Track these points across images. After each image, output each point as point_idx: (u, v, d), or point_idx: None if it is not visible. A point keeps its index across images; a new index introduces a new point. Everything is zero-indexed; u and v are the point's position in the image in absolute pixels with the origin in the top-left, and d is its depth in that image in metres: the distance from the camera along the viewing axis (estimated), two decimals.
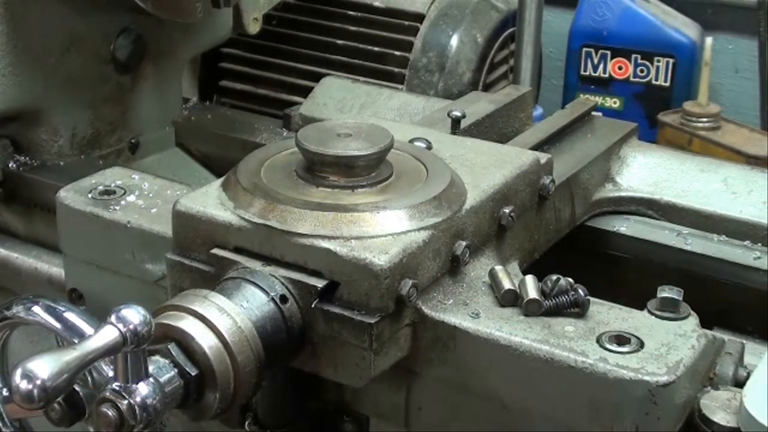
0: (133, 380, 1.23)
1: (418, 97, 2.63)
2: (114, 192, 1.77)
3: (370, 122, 1.61)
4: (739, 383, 1.41)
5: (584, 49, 4.63)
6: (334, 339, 1.38)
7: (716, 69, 4.62)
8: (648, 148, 2.18)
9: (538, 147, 1.98)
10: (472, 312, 1.41)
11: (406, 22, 3.26)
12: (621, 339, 1.34)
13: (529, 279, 1.42)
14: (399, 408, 1.50)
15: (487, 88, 3.30)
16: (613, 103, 4.64)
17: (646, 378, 1.27)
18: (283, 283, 1.39)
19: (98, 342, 1.19)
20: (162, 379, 1.27)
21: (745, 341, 1.51)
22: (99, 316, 1.56)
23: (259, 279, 1.40)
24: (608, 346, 1.33)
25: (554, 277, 1.41)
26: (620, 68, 4.61)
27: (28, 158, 2.40)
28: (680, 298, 1.41)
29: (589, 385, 1.30)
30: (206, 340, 1.30)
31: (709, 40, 4.39)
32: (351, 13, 3.30)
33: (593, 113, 2.27)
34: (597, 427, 1.32)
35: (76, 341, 1.21)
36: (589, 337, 1.35)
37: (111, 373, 1.24)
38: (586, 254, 2.04)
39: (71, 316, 1.68)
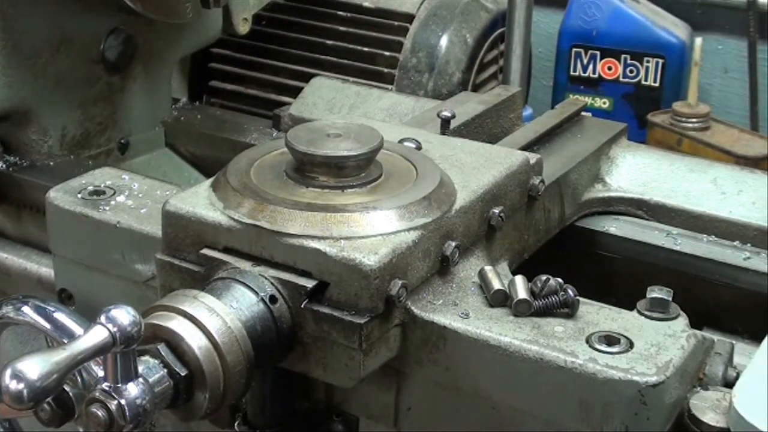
0: (122, 380, 1.23)
1: (408, 98, 2.62)
2: (103, 192, 1.77)
3: (360, 123, 1.61)
4: (729, 383, 1.41)
5: (574, 50, 4.64)
6: (324, 339, 1.38)
7: (706, 69, 4.63)
8: (637, 149, 2.19)
9: (527, 147, 1.98)
10: (462, 312, 1.41)
11: (396, 23, 3.26)
12: (610, 339, 1.34)
13: (519, 279, 1.43)
14: (388, 408, 1.50)
15: (476, 88, 3.30)
16: (602, 103, 4.66)
17: (636, 378, 1.27)
18: (272, 284, 1.39)
19: (88, 342, 1.19)
20: (151, 380, 1.26)
21: (734, 341, 1.51)
22: (88, 317, 1.56)
23: (248, 279, 1.39)
24: (598, 346, 1.33)
25: (544, 278, 1.41)
26: (610, 68, 4.62)
27: (17, 158, 2.40)
28: (670, 299, 1.41)
29: (578, 386, 1.30)
30: (196, 341, 1.30)
31: (698, 41, 4.40)
32: (341, 13, 3.30)
33: (583, 113, 2.27)
34: (586, 427, 1.32)
35: (66, 341, 1.21)
36: (579, 338, 1.35)
37: (101, 374, 1.24)
38: (575, 254, 2.04)
39: (61, 317, 1.68)
